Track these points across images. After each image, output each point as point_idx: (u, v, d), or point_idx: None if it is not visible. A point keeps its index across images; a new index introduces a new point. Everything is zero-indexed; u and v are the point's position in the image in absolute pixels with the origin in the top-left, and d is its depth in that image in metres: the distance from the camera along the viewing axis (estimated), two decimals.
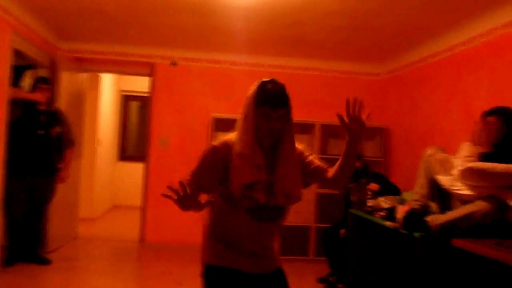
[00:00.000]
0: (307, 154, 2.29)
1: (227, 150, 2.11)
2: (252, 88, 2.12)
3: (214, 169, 2.11)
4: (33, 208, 5.04)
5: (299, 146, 2.26)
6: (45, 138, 4.99)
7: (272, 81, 2.13)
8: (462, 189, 3.26)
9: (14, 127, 4.78)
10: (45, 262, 5.08)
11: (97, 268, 5.30)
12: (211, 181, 2.11)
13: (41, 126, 4.96)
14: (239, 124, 2.15)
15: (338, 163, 2.24)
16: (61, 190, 5.72)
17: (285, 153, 2.14)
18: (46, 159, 5.05)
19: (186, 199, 1.98)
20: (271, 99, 2.07)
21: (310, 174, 2.27)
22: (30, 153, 4.90)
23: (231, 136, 2.18)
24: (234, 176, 2.06)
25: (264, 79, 2.13)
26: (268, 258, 2.25)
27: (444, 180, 3.39)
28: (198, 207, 2.02)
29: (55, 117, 5.11)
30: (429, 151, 3.55)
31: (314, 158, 2.30)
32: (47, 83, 5.09)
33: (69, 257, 5.57)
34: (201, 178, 2.10)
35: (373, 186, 4.82)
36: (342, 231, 4.98)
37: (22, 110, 4.93)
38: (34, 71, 5.76)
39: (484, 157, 3.26)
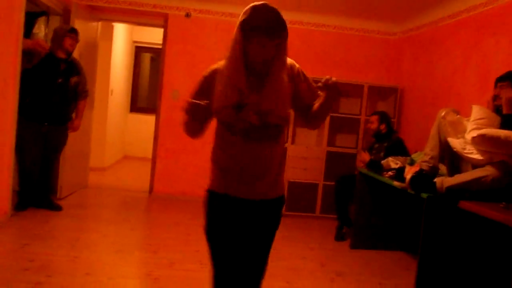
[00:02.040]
0: (302, 77, 2.30)
1: (214, 76, 2.19)
2: (243, 14, 2.04)
3: (204, 96, 2.15)
4: (45, 155, 5.10)
5: (295, 66, 2.28)
6: (64, 87, 5.01)
7: (266, 6, 2.02)
8: (474, 153, 3.24)
9: (33, 73, 4.79)
10: (56, 208, 5.18)
11: (106, 216, 5.39)
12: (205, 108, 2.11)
13: (61, 75, 4.98)
14: (228, 50, 2.14)
15: (314, 108, 2.31)
16: (73, 139, 5.77)
17: (273, 75, 2.13)
18: (63, 107, 5.10)
19: (198, 110, 2.08)
20: (266, 27, 2.01)
21: (298, 99, 2.29)
22: (48, 100, 4.92)
23: (220, 63, 2.22)
24: (214, 100, 2.12)
25: (256, 3, 2.03)
26: (266, 184, 2.21)
27: (455, 142, 3.37)
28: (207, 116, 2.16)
29: (73, 66, 5.12)
30: (443, 112, 3.52)
31: (308, 84, 2.32)
32: (76, 33, 5.07)
33: (79, 205, 5.67)
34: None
35: (364, 156, 4.89)
36: None
37: (38, 57, 4.91)
38: (47, 18, 5.72)
39: (503, 122, 3.22)
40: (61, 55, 4.97)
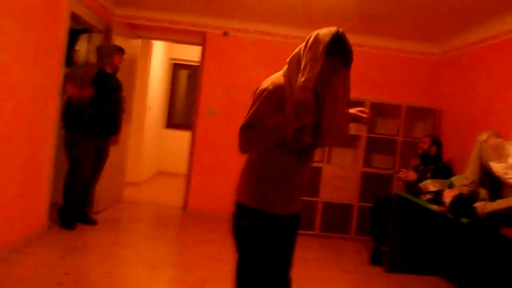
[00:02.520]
0: None
1: (282, 93, 2.14)
2: (327, 33, 2.10)
3: (272, 112, 2.13)
4: (94, 168, 5.24)
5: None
6: (115, 101, 5.22)
7: (345, 35, 2.13)
8: None
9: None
10: (92, 222, 5.24)
11: (140, 231, 5.42)
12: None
13: (112, 89, 5.15)
14: (295, 64, 2.14)
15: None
16: (110, 154, 5.87)
17: (338, 105, 2.22)
18: (115, 121, 5.28)
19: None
20: (345, 54, 2.12)
21: None
22: (104, 114, 5.07)
23: (279, 78, 2.21)
24: (288, 119, 2.09)
25: (339, 29, 2.13)
26: (299, 199, 2.43)
27: (497, 167, 3.28)
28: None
29: (119, 82, 5.31)
30: (484, 136, 3.44)
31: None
32: (123, 51, 5.22)
33: (114, 219, 5.73)
34: (259, 120, 2.14)
35: (411, 175, 4.83)
36: None
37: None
38: (89, 36, 5.87)
39: None
40: (109, 70, 5.12)
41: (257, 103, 2.17)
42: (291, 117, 2.09)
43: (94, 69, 4.99)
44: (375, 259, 4.98)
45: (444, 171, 4.82)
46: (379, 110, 6.34)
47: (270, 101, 2.15)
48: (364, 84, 6.45)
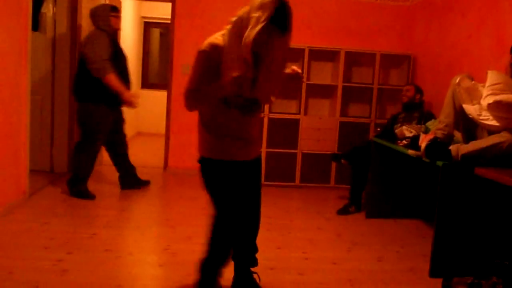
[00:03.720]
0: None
1: (218, 52, 2.36)
2: (272, 1, 2.22)
3: (210, 71, 2.39)
4: (123, 137, 5.39)
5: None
6: (126, 69, 5.09)
7: (289, 5, 2.29)
8: (489, 119, 3.20)
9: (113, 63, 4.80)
10: (146, 182, 5.61)
11: (123, 193, 5.43)
12: (209, 83, 2.40)
13: (122, 57, 5.02)
14: (238, 26, 2.31)
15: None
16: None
17: (273, 65, 2.41)
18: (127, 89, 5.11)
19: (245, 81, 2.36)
20: (285, 23, 2.28)
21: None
22: (126, 83, 4.99)
23: (218, 38, 2.41)
24: (225, 72, 2.33)
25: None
26: (254, 145, 2.71)
27: (471, 109, 3.33)
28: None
29: (122, 48, 5.17)
30: (457, 79, 3.47)
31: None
32: (118, 11, 5.01)
33: (96, 182, 5.71)
34: (201, 83, 2.42)
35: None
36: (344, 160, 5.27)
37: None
38: None
39: None
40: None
41: (196, 66, 2.44)
42: (229, 78, 2.29)
43: (105, 38, 4.77)
44: (344, 212, 5.04)
45: (428, 117, 4.87)
46: (354, 59, 6.34)
47: (208, 63, 2.39)
48: (338, 33, 6.41)
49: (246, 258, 2.94)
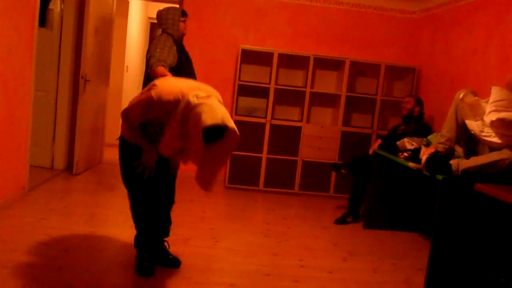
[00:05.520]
0: None
1: (169, 111, 2.69)
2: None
3: (151, 115, 2.84)
4: None
5: None
6: (192, 73, 4.85)
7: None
8: (492, 136, 3.20)
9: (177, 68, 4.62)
10: None
11: (121, 192, 5.40)
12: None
13: (188, 60, 4.80)
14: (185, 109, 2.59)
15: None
16: (88, 115, 5.83)
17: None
18: None
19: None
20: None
21: None
22: None
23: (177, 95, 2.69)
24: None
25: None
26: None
27: (473, 125, 3.33)
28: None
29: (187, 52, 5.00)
30: (461, 94, 3.46)
31: None
32: (186, 15, 4.95)
33: (95, 181, 5.72)
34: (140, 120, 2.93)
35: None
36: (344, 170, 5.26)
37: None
38: None
39: None
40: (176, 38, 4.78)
41: (144, 105, 2.80)
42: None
43: (172, 44, 4.70)
44: (341, 222, 5.02)
45: (423, 130, 4.87)
46: (359, 69, 6.35)
47: (155, 109, 2.77)
48: (344, 43, 6.43)
49: (160, 229, 3.38)
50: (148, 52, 4.61)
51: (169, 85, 2.77)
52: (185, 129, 2.57)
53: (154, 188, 3.15)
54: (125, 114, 2.95)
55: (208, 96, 2.61)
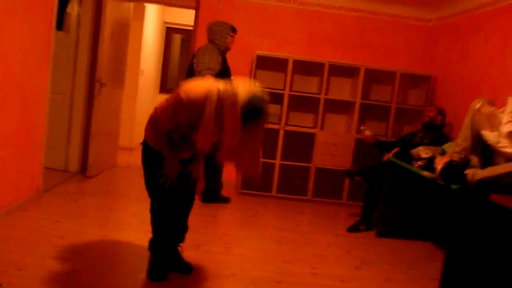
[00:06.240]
0: None
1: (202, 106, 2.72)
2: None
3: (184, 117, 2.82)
4: None
5: None
6: None
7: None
8: (508, 147, 3.17)
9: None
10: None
11: (135, 196, 5.45)
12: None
13: (229, 74, 5.01)
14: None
15: None
16: (103, 119, 5.87)
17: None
18: None
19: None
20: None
21: None
22: None
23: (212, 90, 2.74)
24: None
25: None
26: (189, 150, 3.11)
27: (489, 135, 3.29)
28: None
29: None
30: (477, 104, 3.43)
31: None
32: (235, 32, 5.09)
33: (109, 184, 5.76)
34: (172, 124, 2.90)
35: (368, 136, 5.32)
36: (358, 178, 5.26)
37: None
38: None
39: None
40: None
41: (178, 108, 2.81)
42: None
43: (218, 54, 4.87)
44: (354, 229, 4.99)
45: (442, 139, 4.83)
46: (374, 76, 6.32)
47: (189, 111, 2.77)
48: (359, 50, 6.41)
49: (177, 235, 3.36)
50: (194, 58, 4.78)
51: (196, 84, 2.82)
52: (220, 118, 2.63)
53: (175, 196, 3.15)
54: (153, 119, 2.93)
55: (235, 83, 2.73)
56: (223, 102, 2.62)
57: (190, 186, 3.27)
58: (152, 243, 3.27)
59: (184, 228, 3.44)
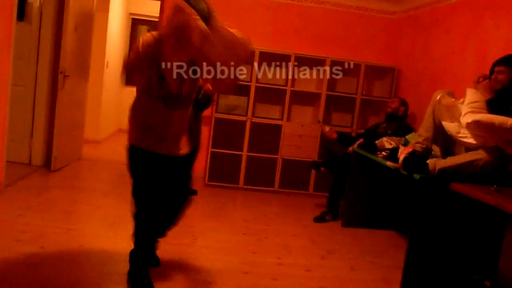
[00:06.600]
0: None
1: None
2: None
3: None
4: None
5: None
6: None
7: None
8: (467, 137, 3.25)
9: None
10: None
11: (101, 189, 5.40)
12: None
13: None
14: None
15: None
16: (67, 111, 5.77)
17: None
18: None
19: None
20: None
21: None
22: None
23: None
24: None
25: None
26: (174, 142, 2.90)
27: (450, 126, 3.37)
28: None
29: None
30: (438, 96, 3.51)
31: None
32: None
33: (73, 177, 5.68)
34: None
35: (330, 132, 5.40)
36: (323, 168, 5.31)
37: None
38: None
39: (489, 105, 3.21)
40: None
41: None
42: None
43: None
44: (320, 220, 5.05)
45: (404, 130, 4.91)
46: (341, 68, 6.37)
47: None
48: (324, 42, 6.45)
49: (160, 234, 3.18)
50: None
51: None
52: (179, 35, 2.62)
53: (163, 205, 2.98)
54: (129, 77, 2.91)
55: None
56: (176, 22, 2.70)
57: (179, 188, 3.07)
58: (134, 254, 3.03)
59: (170, 224, 3.18)
